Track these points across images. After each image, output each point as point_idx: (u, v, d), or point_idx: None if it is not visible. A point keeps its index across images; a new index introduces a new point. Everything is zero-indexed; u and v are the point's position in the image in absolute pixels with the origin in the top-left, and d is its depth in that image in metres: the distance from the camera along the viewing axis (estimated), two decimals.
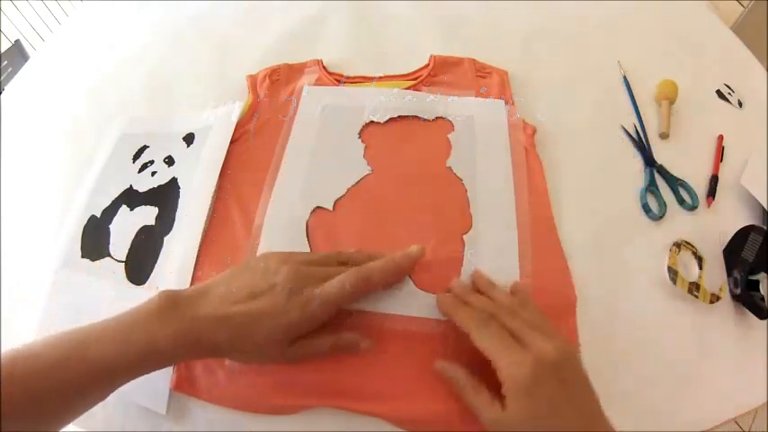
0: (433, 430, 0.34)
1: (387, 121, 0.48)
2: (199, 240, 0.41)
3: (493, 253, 0.40)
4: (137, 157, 0.49)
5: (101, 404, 0.30)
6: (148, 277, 0.41)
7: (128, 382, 0.30)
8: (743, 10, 0.95)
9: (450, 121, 0.48)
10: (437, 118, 0.49)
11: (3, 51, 1.38)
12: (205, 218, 0.42)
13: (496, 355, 0.30)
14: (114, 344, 0.29)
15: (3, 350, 0.28)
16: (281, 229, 0.41)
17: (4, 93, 0.63)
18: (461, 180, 0.44)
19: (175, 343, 0.29)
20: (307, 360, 0.34)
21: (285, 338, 0.31)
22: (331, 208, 0.42)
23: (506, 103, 0.50)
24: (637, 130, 0.51)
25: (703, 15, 0.66)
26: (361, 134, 0.47)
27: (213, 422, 0.35)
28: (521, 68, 0.55)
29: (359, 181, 0.44)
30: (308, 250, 0.40)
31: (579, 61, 0.58)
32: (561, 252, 0.41)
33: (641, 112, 0.52)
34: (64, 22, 0.80)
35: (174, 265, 0.40)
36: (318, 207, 0.42)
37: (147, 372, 0.30)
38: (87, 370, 0.28)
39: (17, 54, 1.38)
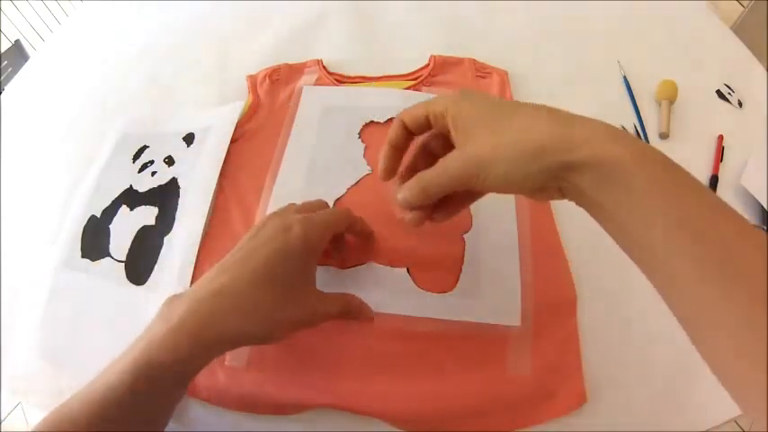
0: (432, 430, 0.34)
1: (387, 121, 0.48)
2: (199, 240, 0.41)
3: (493, 252, 0.39)
4: (137, 157, 0.49)
5: None
6: (148, 277, 0.41)
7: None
8: (743, 10, 0.96)
9: None
10: None
11: (3, 51, 1.39)
12: (205, 218, 0.43)
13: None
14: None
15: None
16: None
17: (4, 93, 0.63)
18: None
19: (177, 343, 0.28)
20: (320, 321, 0.32)
21: (287, 270, 0.30)
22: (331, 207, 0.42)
23: None
24: (637, 130, 0.51)
25: (703, 15, 0.65)
26: (361, 134, 0.47)
27: (213, 422, 0.35)
28: (521, 68, 0.55)
29: (359, 181, 0.44)
30: None
31: (579, 61, 0.58)
32: (562, 251, 0.41)
33: (641, 112, 0.52)
34: (64, 22, 0.80)
35: (175, 265, 0.40)
36: None
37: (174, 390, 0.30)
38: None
39: (17, 54, 1.38)
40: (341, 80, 0.54)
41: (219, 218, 0.43)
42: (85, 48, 0.67)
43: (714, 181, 0.47)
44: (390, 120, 0.48)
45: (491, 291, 0.37)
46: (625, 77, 0.55)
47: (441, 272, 0.38)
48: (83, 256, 0.43)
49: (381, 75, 0.54)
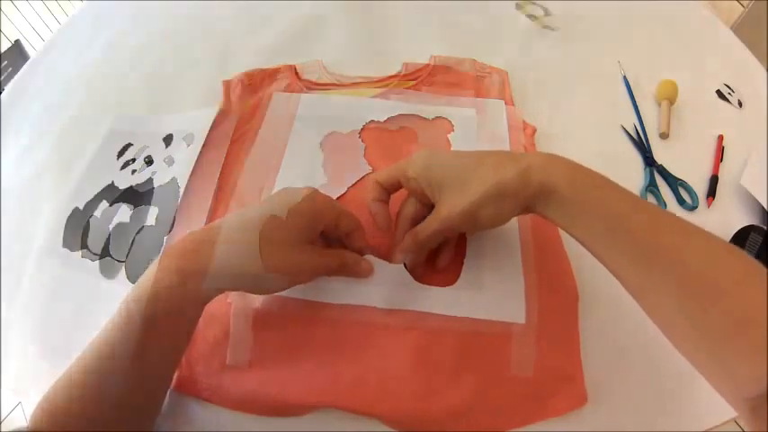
0: (432, 430, 0.34)
1: (387, 121, 0.48)
2: None
3: (495, 250, 0.39)
4: (121, 154, 0.49)
5: None
6: None
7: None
8: (743, 10, 0.96)
9: (450, 121, 0.48)
10: (437, 118, 0.49)
11: (3, 51, 1.39)
12: (205, 218, 0.43)
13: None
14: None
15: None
16: None
17: (4, 93, 0.63)
18: None
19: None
20: (314, 273, 0.35)
21: (288, 222, 0.31)
22: None
23: (506, 103, 0.50)
24: (637, 130, 0.51)
25: (703, 15, 0.66)
26: (361, 134, 0.47)
27: (213, 422, 0.35)
28: (521, 68, 0.55)
29: (359, 181, 0.44)
30: None
31: (579, 61, 0.58)
32: (563, 251, 0.41)
33: (641, 112, 0.52)
34: (64, 22, 0.80)
35: None
36: None
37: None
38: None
39: (17, 54, 1.38)
40: (311, 87, 0.53)
41: (219, 217, 0.43)
42: (85, 48, 0.67)
43: (714, 181, 0.47)
44: (390, 119, 0.48)
45: (494, 286, 0.37)
46: (625, 77, 0.55)
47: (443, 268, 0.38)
48: (82, 257, 0.43)
49: (382, 76, 0.54)
